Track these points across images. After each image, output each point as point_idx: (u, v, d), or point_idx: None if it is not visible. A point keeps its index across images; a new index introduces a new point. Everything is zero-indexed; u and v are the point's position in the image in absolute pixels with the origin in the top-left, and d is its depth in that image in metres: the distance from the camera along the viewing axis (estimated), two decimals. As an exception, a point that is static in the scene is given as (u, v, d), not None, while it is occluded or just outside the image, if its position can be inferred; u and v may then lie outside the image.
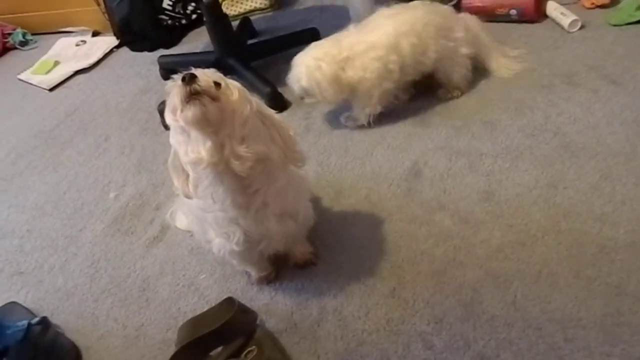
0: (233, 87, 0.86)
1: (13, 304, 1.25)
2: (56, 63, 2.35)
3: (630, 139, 1.25)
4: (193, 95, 0.80)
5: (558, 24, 1.68)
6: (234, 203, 0.92)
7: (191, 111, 0.80)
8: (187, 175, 0.89)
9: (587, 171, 1.21)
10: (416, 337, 1.00)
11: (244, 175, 0.87)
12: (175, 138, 0.87)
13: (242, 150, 0.84)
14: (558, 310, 0.97)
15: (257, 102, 0.91)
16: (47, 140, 1.88)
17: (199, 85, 0.80)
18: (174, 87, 0.82)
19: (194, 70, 0.82)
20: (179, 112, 0.82)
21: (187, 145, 0.85)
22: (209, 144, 0.82)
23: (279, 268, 1.18)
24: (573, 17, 1.63)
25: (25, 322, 1.10)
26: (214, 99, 0.81)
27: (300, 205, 1.05)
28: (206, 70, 0.86)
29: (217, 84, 0.83)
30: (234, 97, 0.84)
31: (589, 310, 0.96)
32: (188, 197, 0.92)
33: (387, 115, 1.51)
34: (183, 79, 0.80)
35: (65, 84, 2.22)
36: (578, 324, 0.94)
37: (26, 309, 1.24)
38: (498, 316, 0.99)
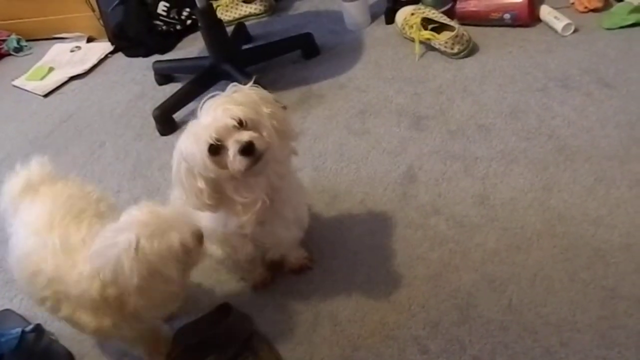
0: (257, 121, 0.85)
1: (7, 311, 1.24)
2: (51, 69, 2.35)
3: (624, 142, 1.26)
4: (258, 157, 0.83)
5: (551, 28, 1.69)
6: (258, 221, 0.93)
7: (256, 173, 0.85)
8: (202, 191, 0.87)
9: (581, 174, 1.21)
10: (412, 341, 1.00)
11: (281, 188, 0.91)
12: (231, 187, 0.88)
13: (280, 168, 0.90)
14: (553, 314, 0.97)
15: (260, 96, 0.90)
16: (42, 146, 1.87)
17: (257, 152, 0.82)
18: (231, 152, 0.82)
19: (228, 122, 0.82)
20: (239, 174, 0.83)
21: (241, 188, 0.88)
22: (263, 182, 0.89)
23: (275, 273, 1.18)
24: (566, 21, 1.64)
25: (19, 330, 1.09)
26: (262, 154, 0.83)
27: (304, 210, 1.06)
28: (222, 105, 0.84)
29: (241, 123, 0.83)
30: (266, 133, 0.85)
31: (585, 313, 0.96)
32: (200, 210, 0.91)
33: (382, 119, 1.52)
34: (243, 152, 0.81)
35: (60, 90, 2.21)
36: (573, 328, 0.94)
37: (20, 316, 1.23)
38: (493, 320, 0.99)
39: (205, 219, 0.95)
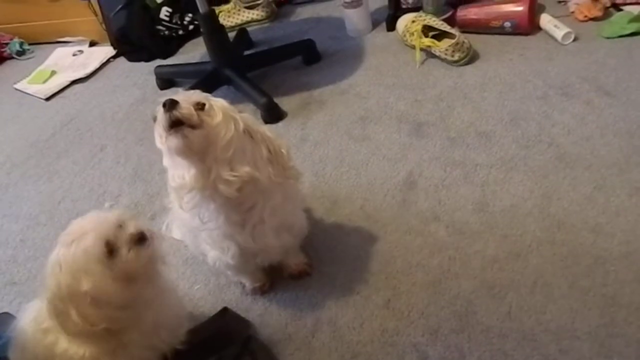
0: (217, 109, 0.84)
1: (5, 314, 1.24)
2: (53, 73, 2.35)
3: (623, 150, 1.26)
4: (174, 123, 0.79)
5: (551, 36, 1.70)
6: (228, 221, 0.92)
7: (173, 142, 0.80)
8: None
9: (581, 182, 1.21)
10: (411, 348, 0.99)
11: (232, 198, 0.86)
12: (165, 161, 0.87)
13: (227, 174, 0.83)
14: (553, 322, 0.97)
15: (245, 118, 0.89)
16: (43, 149, 1.87)
17: (179, 112, 0.79)
18: (158, 112, 0.82)
19: (175, 96, 0.81)
20: (163, 138, 0.82)
21: (174, 170, 0.85)
22: (193, 171, 0.83)
23: (274, 279, 1.18)
24: (566, 29, 1.65)
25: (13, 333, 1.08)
26: (196, 126, 0.80)
27: (296, 216, 1.05)
28: (189, 92, 0.85)
29: (201, 106, 0.83)
30: (217, 120, 0.83)
31: (584, 321, 0.96)
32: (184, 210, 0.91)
33: (382, 125, 1.52)
34: (164, 105, 0.79)
35: (62, 94, 2.22)
36: (573, 335, 0.94)
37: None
38: (493, 327, 0.99)
39: (189, 219, 0.95)
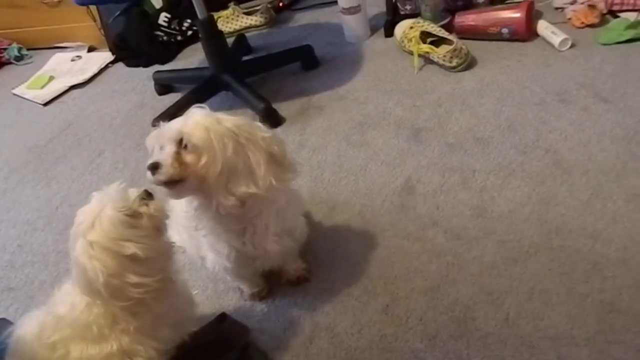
0: (201, 147, 0.83)
1: (2, 320, 1.23)
2: (51, 78, 2.36)
3: (620, 156, 1.26)
4: (163, 182, 0.84)
5: (549, 43, 1.71)
6: (228, 230, 0.93)
7: (167, 194, 0.86)
8: None
9: (578, 188, 1.22)
10: (409, 354, 0.99)
11: (235, 212, 0.89)
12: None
13: (225, 200, 0.86)
14: (551, 328, 0.97)
15: (235, 125, 0.86)
16: (41, 155, 1.87)
17: (161, 176, 0.83)
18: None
19: (154, 151, 0.87)
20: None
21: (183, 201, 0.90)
22: (195, 203, 0.90)
23: (272, 284, 1.18)
24: (563, 36, 1.66)
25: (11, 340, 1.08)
26: (182, 179, 0.84)
27: (297, 221, 1.05)
28: (172, 130, 0.86)
29: (184, 145, 0.84)
30: (202, 161, 0.83)
31: (582, 327, 0.96)
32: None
33: (380, 131, 1.53)
34: (148, 169, 0.84)
35: (60, 99, 2.22)
36: (571, 342, 0.94)
37: (14, 325, 1.22)
38: (491, 333, 0.99)
39: (188, 225, 0.97)
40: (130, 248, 0.81)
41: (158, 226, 0.87)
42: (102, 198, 0.83)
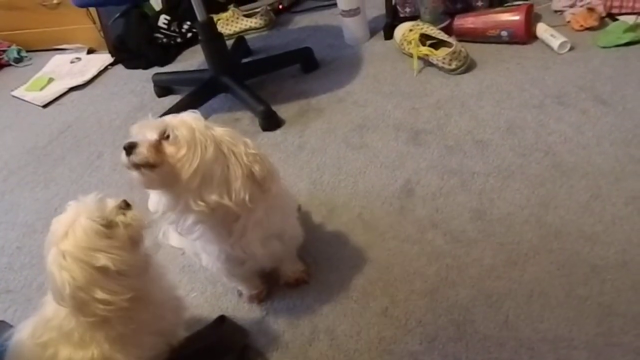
0: (182, 140, 0.83)
1: (1, 322, 1.23)
2: (50, 80, 2.36)
3: (619, 158, 1.26)
4: (135, 164, 0.82)
5: (548, 46, 1.71)
6: (214, 231, 0.92)
7: (137, 179, 0.84)
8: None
9: (577, 191, 1.22)
10: (408, 356, 0.99)
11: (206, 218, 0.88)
12: None
13: (194, 204, 0.85)
14: (550, 330, 0.97)
15: (221, 136, 0.87)
16: (40, 156, 1.87)
17: (135, 158, 0.82)
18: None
19: (141, 125, 0.85)
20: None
21: (151, 194, 0.89)
22: (164, 199, 0.87)
23: (271, 287, 1.18)
24: (563, 38, 1.66)
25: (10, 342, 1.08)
26: (155, 165, 0.82)
27: (286, 224, 1.04)
28: (158, 120, 0.86)
29: (166, 136, 0.83)
30: (181, 153, 0.83)
31: (581, 330, 0.96)
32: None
33: (380, 133, 1.53)
34: (124, 148, 0.82)
35: (59, 101, 2.22)
36: (570, 344, 0.94)
37: (13, 327, 1.22)
38: (490, 336, 0.99)
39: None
40: (102, 259, 0.79)
41: (134, 237, 0.84)
42: (77, 207, 0.83)
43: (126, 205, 0.85)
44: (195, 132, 0.84)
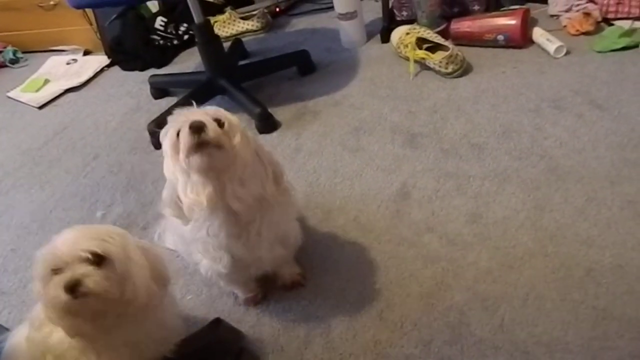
0: (236, 128, 0.86)
1: (-6, 324, 1.23)
2: (46, 81, 2.35)
3: (615, 163, 1.27)
4: (200, 144, 0.80)
5: (544, 50, 1.72)
6: (228, 234, 0.93)
7: (199, 161, 0.81)
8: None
9: (573, 194, 1.22)
10: (404, 360, 0.99)
11: (240, 213, 0.89)
12: (173, 174, 0.86)
13: (241, 192, 0.86)
14: (545, 334, 0.97)
15: (253, 137, 0.91)
16: (35, 158, 1.86)
17: (208, 135, 0.80)
18: (182, 131, 0.82)
19: (194, 112, 0.83)
20: (183, 156, 0.82)
21: (187, 186, 0.85)
22: (209, 188, 0.84)
23: (267, 289, 1.17)
24: (559, 43, 1.67)
25: (5, 344, 1.07)
26: (221, 146, 0.82)
27: (290, 227, 1.05)
28: (209, 108, 0.86)
29: (220, 124, 0.84)
30: (236, 140, 0.85)
31: (576, 333, 0.96)
32: (184, 223, 0.91)
33: (376, 136, 1.53)
34: (191, 128, 0.80)
35: (55, 102, 2.21)
36: (565, 348, 0.94)
37: (7, 329, 1.21)
38: (486, 339, 0.99)
39: (184, 228, 0.95)
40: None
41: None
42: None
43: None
44: (243, 128, 0.87)
